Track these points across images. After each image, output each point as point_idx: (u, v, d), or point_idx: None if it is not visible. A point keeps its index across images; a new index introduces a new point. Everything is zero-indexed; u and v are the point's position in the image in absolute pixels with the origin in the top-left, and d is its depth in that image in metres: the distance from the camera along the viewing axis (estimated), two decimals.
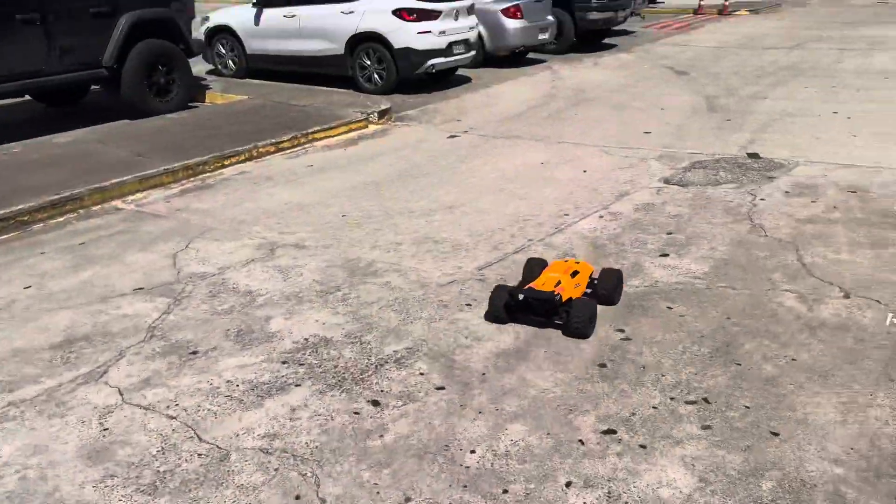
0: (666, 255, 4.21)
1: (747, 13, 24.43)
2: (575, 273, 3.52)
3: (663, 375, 2.92)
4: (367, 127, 8.15)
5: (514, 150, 6.94)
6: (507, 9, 11.88)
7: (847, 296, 3.55)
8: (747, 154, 6.39)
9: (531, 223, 4.86)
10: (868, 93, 9.10)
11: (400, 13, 9.55)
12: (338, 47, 9.98)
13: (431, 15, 9.70)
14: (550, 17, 12.82)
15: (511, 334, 3.34)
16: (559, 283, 3.38)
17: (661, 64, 12.64)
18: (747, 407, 2.68)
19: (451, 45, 10.00)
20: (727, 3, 24.40)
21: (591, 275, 3.63)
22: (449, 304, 3.66)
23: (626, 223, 4.77)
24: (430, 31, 9.65)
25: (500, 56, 12.39)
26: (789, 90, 9.54)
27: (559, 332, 3.30)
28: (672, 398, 2.76)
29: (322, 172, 6.36)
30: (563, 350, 3.17)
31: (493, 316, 3.44)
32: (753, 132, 7.24)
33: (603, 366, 3.01)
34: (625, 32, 17.47)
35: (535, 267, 3.69)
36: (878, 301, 3.47)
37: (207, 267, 4.26)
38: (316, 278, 4.07)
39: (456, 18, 10.10)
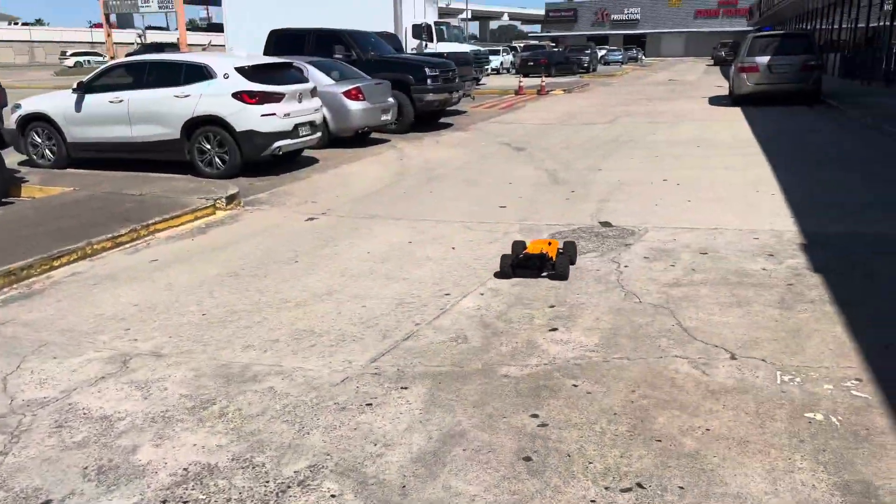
0: (555, 329, 4.17)
1: (562, 92, 26.68)
2: (549, 244, 5.28)
3: (591, 463, 2.79)
4: (215, 213, 7.63)
5: (378, 230, 6.77)
6: (349, 91, 11.95)
7: (734, 357, 3.68)
8: (600, 223, 6.69)
9: (414, 305, 4.66)
10: (686, 160, 10.06)
11: (241, 96, 9.23)
12: (173, 132, 9.42)
13: (274, 97, 9.47)
14: (391, 99, 13.06)
15: (423, 434, 3.07)
16: (543, 250, 5.16)
17: (499, 141, 13.25)
18: (681, 488, 2.61)
19: (296, 126, 9.78)
20: (544, 84, 26.55)
21: (558, 248, 5.30)
22: (347, 407, 3.33)
23: (508, 299, 4.72)
24: (274, 114, 9.39)
25: (344, 137, 12.38)
26: (618, 161, 10.30)
27: (472, 427, 3.08)
28: (606, 487, 2.63)
29: (171, 267, 5.78)
30: (482, 446, 2.95)
31: (502, 273, 5.14)
32: (599, 202, 7.64)
33: (528, 459, 2.83)
34: (458, 112, 18.29)
35: (517, 246, 5.43)
36: (763, 360, 3.62)
37: (48, 391, 3.60)
38: (184, 392, 3.56)
39: (300, 101, 9.94)
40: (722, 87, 26.82)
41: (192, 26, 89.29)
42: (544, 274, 5.06)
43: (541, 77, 36.34)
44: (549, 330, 4.16)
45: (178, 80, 9.41)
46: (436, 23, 30.35)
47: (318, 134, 10.52)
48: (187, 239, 6.68)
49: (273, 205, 8.09)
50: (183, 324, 4.52)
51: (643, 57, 71.76)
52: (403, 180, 9.47)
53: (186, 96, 9.29)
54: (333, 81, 12.24)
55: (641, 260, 5.46)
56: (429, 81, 14.40)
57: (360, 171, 10.29)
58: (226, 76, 9.33)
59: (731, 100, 18.99)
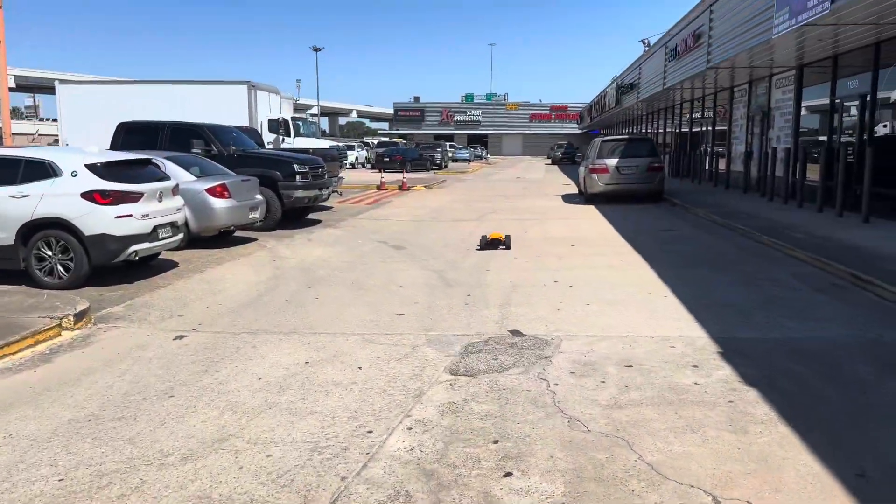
0: (509, 473, 3.62)
1: (423, 188, 27.03)
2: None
3: None
4: (60, 335, 6.41)
5: (266, 349, 5.95)
6: (214, 188, 11.07)
7: (717, 500, 3.30)
8: (510, 332, 6.32)
9: (333, 451, 3.92)
10: (568, 260, 10.12)
11: (92, 196, 8.14)
12: (6, 237, 8.09)
13: (131, 197, 8.45)
14: (259, 196, 12.29)
15: None
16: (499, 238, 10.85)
17: (374, 238, 12.81)
18: None
19: (156, 228, 8.76)
20: (405, 180, 26.80)
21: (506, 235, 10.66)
22: None
23: (442, 434, 4.11)
24: (130, 215, 8.35)
25: (205, 236, 11.38)
26: (502, 261, 10.16)
27: None
28: None
29: (9, 411, 4.61)
30: None
31: (480, 247, 10.78)
32: (500, 307, 7.32)
33: None
34: (324, 208, 17.76)
35: (485, 236, 10.16)
36: (749, 502, 3.27)
37: None
38: None
39: (160, 200, 8.96)
40: (569, 186, 28.51)
41: (16, 115, 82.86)
42: (502, 246, 10.74)
43: (402, 172, 36.94)
44: (504, 475, 3.59)
45: (15, 178, 8.15)
46: (293, 118, 30.04)
47: (181, 236, 9.52)
48: (28, 371, 5.46)
49: (132, 321, 6.99)
50: (33, 495, 3.47)
51: (488, 155, 75.77)
52: (282, 285, 8.66)
53: (24, 196, 8.04)
54: (194, 177, 11.31)
55: (569, 376, 5.09)
56: (298, 178, 13.82)
57: (229, 275, 9.34)
58: (74, 174, 8.21)
59: (584, 198, 20.02)
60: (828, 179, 14.31)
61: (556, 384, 4.92)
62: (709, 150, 26.16)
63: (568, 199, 21.76)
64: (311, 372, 5.33)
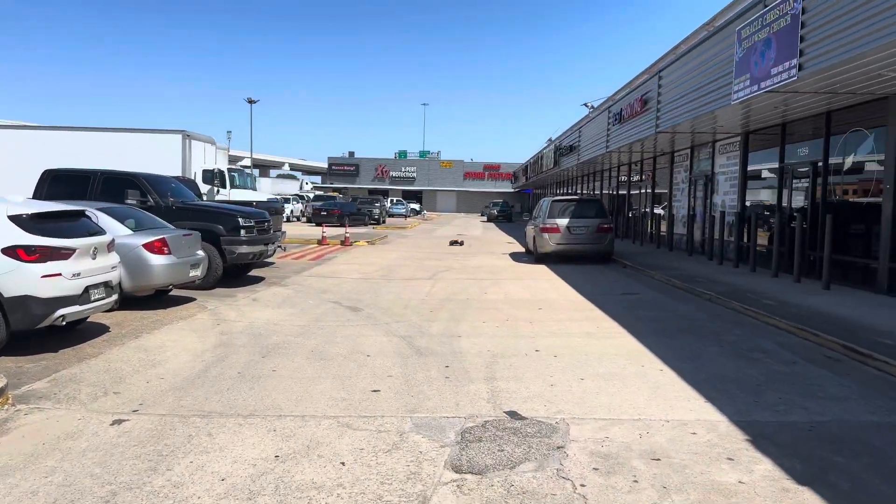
0: None
1: (366, 244, 26.26)
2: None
3: None
4: None
5: (224, 437, 5.03)
6: (152, 243, 10.06)
7: None
8: (506, 413, 5.62)
9: None
10: (540, 326, 9.54)
11: (15, 252, 7.08)
12: None
13: (61, 253, 7.42)
14: (201, 252, 11.29)
15: None
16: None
17: (326, 299, 11.95)
18: None
19: (87, 289, 7.72)
20: (348, 235, 25.99)
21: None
22: None
23: None
24: (59, 274, 7.31)
25: (139, 296, 10.29)
26: (472, 326, 9.51)
27: None
28: None
29: None
30: None
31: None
32: (486, 380, 6.62)
33: None
34: (265, 264, 16.74)
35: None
36: None
37: None
38: None
39: (94, 257, 7.94)
40: (513, 244, 28.33)
41: None
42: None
43: (340, 227, 36.04)
44: None
45: None
46: (228, 169, 28.98)
47: (115, 297, 8.46)
48: None
49: (59, 400, 5.92)
50: None
51: (425, 211, 75.86)
52: (232, 354, 7.70)
53: None
54: (130, 231, 10.27)
55: (593, 473, 4.40)
56: (242, 232, 12.88)
57: (169, 342, 8.30)
58: None
59: (534, 257, 19.71)
60: (780, 245, 14.42)
61: (583, 485, 4.22)
62: (648, 212, 26.57)
63: (516, 257, 21.43)
64: (285, 470, 4.46)
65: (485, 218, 66.95)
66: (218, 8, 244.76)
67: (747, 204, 17.32)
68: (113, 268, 8.36)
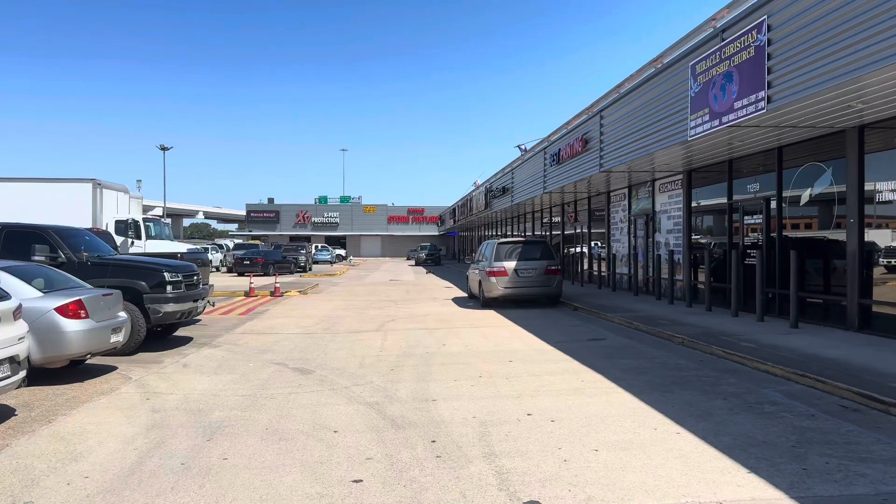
0: None
1: (298, 294, 24.83)
2: None
3: None
4: None
5: None
6: (66, 306, 8.64)
7: None
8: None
9: None
10: (519, 382, 8.64)
11: None
12: None
13: None
14: (123, 314, 9.87)
15: None
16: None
17: (268, 360, 10.67)
18: None
19: None
20: (278, 285, 24.51)
21: None
22: None
23: None
24: None
25: (49, 367, 8.79)
26: (443, 385, 8.52)
27: None
28: None
29: None
30: None
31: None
32: (485, 458, 5.63)
33: None
34: (193, 321, 15.21)
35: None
36: None
37: None
38: None
39: None
40: (451, 289, 27.52)
41: None
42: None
43: (263, 276, 34.31)
44: None
45: None
46: (144, 218, 27.04)
47: (22, 374, 7.02)
48: None
49: None
50: None
51: (352, 257, 74.33)
52: (170, 439, 6.41)
53: None
54: (39, 293, 8.79)
55: None
56: (169, 288, 11.47)
57: (91, 426, 6.90)
58: None
59: (481, 302, 18.93)
60: (737, 283, 14.19)
61: None
62: (585, 252, 26.40)
63: (461, 303, 20.58)
64: None
65: (412, 262, 66.12)
66: (127, 49, 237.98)
67: (695, 242, 17.18)
68: (20, 339, 6.94)
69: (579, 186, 23.04)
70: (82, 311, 8.72)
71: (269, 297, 23.16)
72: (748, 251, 14.48)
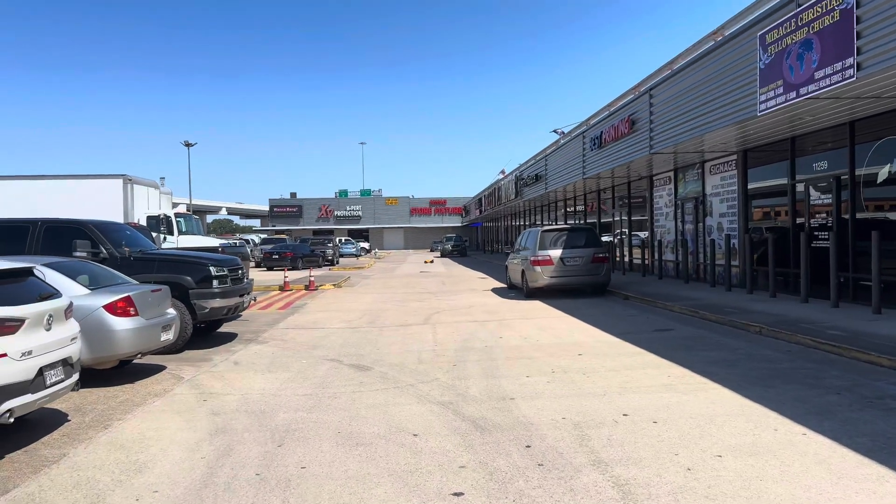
0: None
1: (332, 287, 24.38)
2: None
3: None
4: None
5: None
6: (114, 304, 8.16)
7: None
8: None
9: None
10: (600, 377, 8.02)
11: None
12: None
13: (6, 327, 5.54)
14: (172, 311, 9.40)
15: None
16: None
17: (320, 356, 10.16)
18: None
19: (42, 371, 5.82)
20: (312, 279, 24.07)
21: None
22: None
23: None
24: (4, 355, 5.42)
25: (98, 369, 8.35)
26: (516, 382, 7.93)
27: None
28: None
29: None
30: None
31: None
32: (594, 466, 5.03)
33: None
34: (235, 317, 14.75)
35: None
36: None
37: None
38: None
39: (48, 327, 6.06)
40: (485, 279, 26.91)
41: None
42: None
43: (291, 270, 33.98)
44: None
45: None
46: (175, 214, 26.73)
47: (76, 377, 6.55)
48: None
49: None
50: None
51: (376, 249, 74.02)
52: (238, 445, 5.89)
53: None
54: (86, 290, 8.33)
55: None
56: (215, 283, 10.99)
57: (151, 431, 6.42)
58: None
59: (525, 293, 18.29)
60: (795, 266, 13.40)
61: None
62: (625, 239, 25.63)
63: (501, 293, 19.97)
64: None
65: (437, 253, 65.53)
66: (152, 49, 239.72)
67: (752, 225, 16.38)
68: (72, 339, 6.46)
69: (618, 172, 22.28)
70: (131, 309, 8.25)
71: (305, 291, 22.72)
72: (815, 234, 13.68)
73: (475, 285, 24.03)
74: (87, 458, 5.63)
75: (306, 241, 48.29)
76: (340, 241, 62.48)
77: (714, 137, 14.44)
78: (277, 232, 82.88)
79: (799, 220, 14.32)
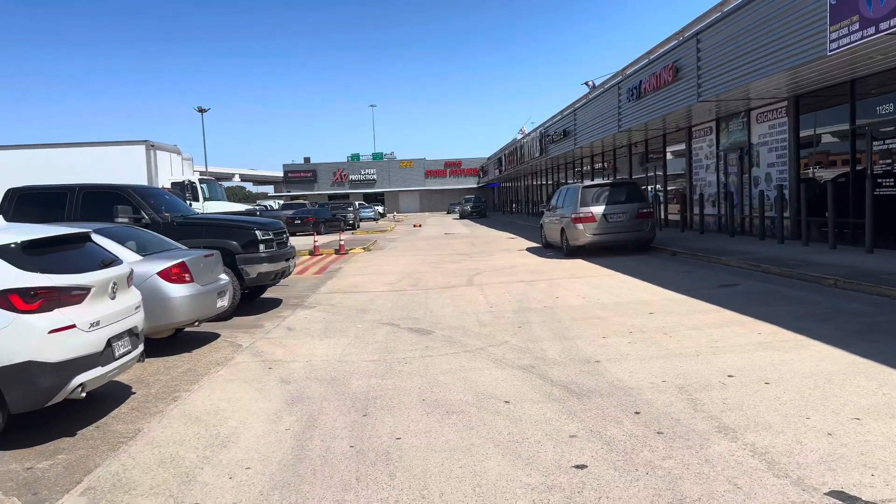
0: None
1: (362, 250, 24.04)
2: None
3: None
4: None
5: None
6: (169, 270, 7.79)
7: None
8: (832, 494, 3.63)
9: None
10: (686, 337, 7.58)
11: (7, 299, 4.81)
12: None
13: (73, 296, 5.15)
14: (225, 276, 9.03)
15: None
16: None
17: (373, 320, 9.80)
18: None
19: (110, 342, 5.46)
20: (342, 243, 23.72)
21: None
22: None
23: None
24: (73, 326, 5.05)
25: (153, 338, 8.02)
26: (594, 343, 7.51)
27: None
28: None
29: None
30: None
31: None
32: (722, 433, 4.62)
33: None
34: (276, 283, 14.41)
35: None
36: None
37: None
38: None
39: (113, 296, 5.68)
40: (515, 239, 26.41)
41: None
42: None
43: (314, 235, 33.72)
44: None
45: None
46: (200, 179, 26.33)
47: (141, 347, 6.20)
48: None
49: None
50: None
51: (395, 212, 73.54)
52: (320, 416, 5.53)
53: None
54: (138, 257, 7.95)
55: None
56: (261, 248, 10.61)
57: (223, 402, 6.08)
58: None
59: (565, 251, 17.80)
60: (856, 216, 12.79)
61: None
62: (661, 194, 24.96)
63: (538, 252, 19.50)
64: None
65: (456, 215, 64.93)
66: (160, 16, 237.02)
67: (804, 175, 15.71)
68: (136, 308, 6.10)
69: (652, 125, 21.55)
70: (186, 275, 7.88)
71: (336, 256, 22.38)
72: (879, 181, 13.03)
73: (506, 245, 23.56)
74: (165, 433, 5.30)
75: (324, 205, 47.90)
76: (356, 205, 62.06)
77: (769, 83, 13.73)
78: (293, 198, 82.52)
79: (859, 168, 13.66)
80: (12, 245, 5.04)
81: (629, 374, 6.19)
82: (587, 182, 18.32)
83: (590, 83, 26.99)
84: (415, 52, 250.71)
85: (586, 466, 4.23)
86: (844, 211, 13.90)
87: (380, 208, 69.69)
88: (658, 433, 4.71)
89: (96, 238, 7.63)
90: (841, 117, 14.14)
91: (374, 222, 55.72)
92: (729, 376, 5.93)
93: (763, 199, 16.91)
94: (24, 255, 5.03)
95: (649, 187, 25.56)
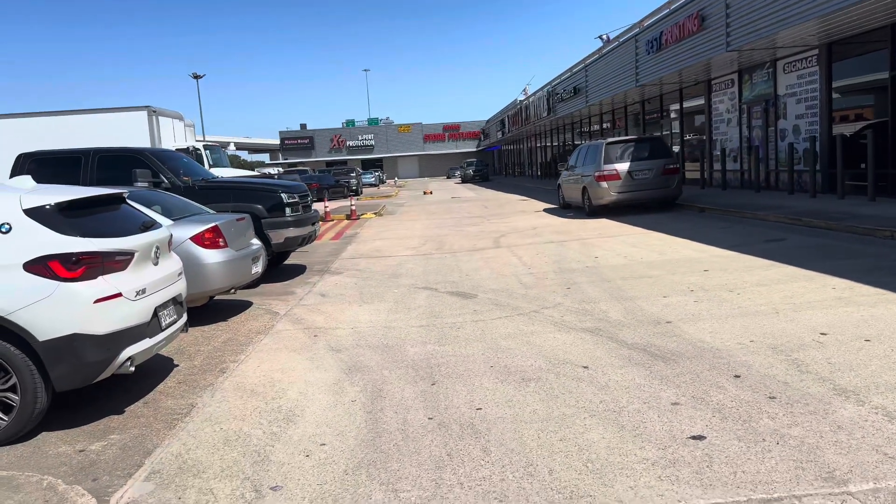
0: None
1: (374, 215, 23.55)
2: None
3: None
4: None
5: None
6: (202, 234, 7.31)
7: None
8: None
9: None
10: (754, 294, 7.15)
11: (47, 266, 4.33)
12: None
13: (116, 262, 4.67)
14: (257, 241, 8.56)
15: None
16: None
17: (409, 284, 9.38)
18: None
19: (157, 312, 5.01)
20: (354, 208, 23.24)
21: None
22: None
23: None
24: (119, 294, 4.58)
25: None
26: (657, 304, 7.08)
27: None
28: None
29: None
30: None
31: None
32: (843, 396, 4.22)
33: None
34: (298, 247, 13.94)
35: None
36: None
37: None
38: None
39: (156, 261, 5.21)
40: (527, 201, 25.91)
41: None
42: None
43: (322, 201, 33.11)
44: None
45: None
46: (204, 146, 25.66)
47: (185, 318, 5.75)
48: None
49: None
50: None
51: (397, 178, 72.78)
52: (385, 386, 5.12)
53: None
54: (169, 221, 7.46)
55: None
56: (287, 211, 10.11)
57: (276, 374, 5.66)
58: (4, 228, 4.37)
59: (587, 211, 17.30)
60: (894, 167, 12.31)
61: None
62: (678, 151, 24.39)
63: (558, 213, 19.01)
64: None
65: (458, 179, 64.20)
66: None
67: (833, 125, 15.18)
68: (179, 275, 5.64)
69: (668, 79, 20.90)
70: (220, 240, 7.41)
71: (348, 221, 21.92)
72: None
73: (521, 207, 23.07)
74: (221, 408, 4.88)
75: (326, 172, 47.20)
76: (357, 171, 61.28)
77: (805, 29, 13.10)
78: (291, 165, 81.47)
79: None
80: (47, 206, 4.55)
81: (710, 336, 5.77)
82: (610, 138, 17.74)
83: (604, 37, 26.20)
84: (409, 12, 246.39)
85: (705, 437, 3.83)
86: (882, 162, 13.41)
87: (378, 173, 68.94)
88: (770, 398, 4.30)
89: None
90: (873, 66, 13.54)
91: (375, 188, 55.08)
92: (822, 334, 5.52)
93: (792, 153, 16.38)
94: (62, 217, 4.54)
95: (682, 143, 24.97)
